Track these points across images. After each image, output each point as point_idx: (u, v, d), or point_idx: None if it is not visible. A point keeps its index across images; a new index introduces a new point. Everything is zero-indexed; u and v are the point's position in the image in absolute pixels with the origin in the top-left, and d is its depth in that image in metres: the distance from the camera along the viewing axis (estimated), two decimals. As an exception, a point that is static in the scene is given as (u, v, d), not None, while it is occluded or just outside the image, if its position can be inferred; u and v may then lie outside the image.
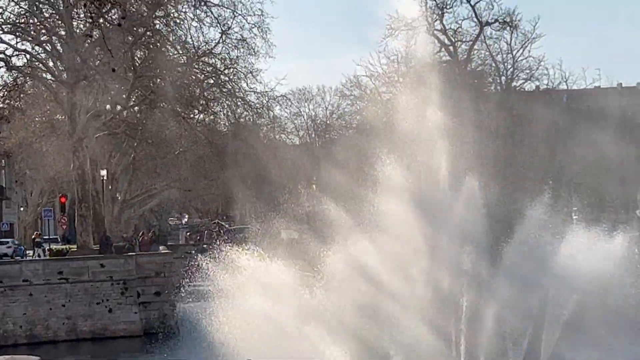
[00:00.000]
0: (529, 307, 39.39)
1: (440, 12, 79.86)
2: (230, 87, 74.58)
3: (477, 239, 40.42)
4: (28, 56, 64.74)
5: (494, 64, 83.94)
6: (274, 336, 37.68)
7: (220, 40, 69.33)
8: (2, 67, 64.20)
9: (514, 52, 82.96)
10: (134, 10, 61.57)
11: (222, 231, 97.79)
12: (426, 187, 43.41)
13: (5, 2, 61.19)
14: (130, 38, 62.32)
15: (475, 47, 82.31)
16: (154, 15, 65.46)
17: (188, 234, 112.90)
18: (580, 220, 50.89)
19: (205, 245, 75.75)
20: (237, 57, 72.00)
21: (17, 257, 67.08)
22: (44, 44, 64.47)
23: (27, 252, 72.51)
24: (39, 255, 66.17)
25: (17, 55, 64.09)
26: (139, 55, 69.17)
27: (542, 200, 42.24)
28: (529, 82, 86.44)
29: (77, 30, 63.31)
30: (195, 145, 77.79)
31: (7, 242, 73.34)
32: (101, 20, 23.90)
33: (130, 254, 62.55)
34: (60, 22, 62.96)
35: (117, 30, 52.58)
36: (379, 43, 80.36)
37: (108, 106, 70.36)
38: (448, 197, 41.95)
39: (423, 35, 79.35)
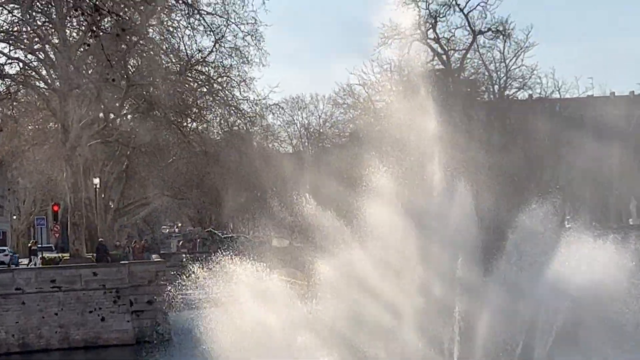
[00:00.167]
0: (522, 316, 39.42)
1: (433, 21, 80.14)
2: (223, 95, 74.55)
3: (470, 247, 40.45)
4: (21, 64, 64.68)
5: (487, 73, 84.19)
6: (266, 345, 37.66)
7: (214, 49, 69.33)
8: (-5, 75, 64.17)
9: (507, 61, 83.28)
10: (127, 18, 61.53)
11: (215, 239, 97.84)
12: (418, 195, 43.40)
13: (-2, 10, 61.21)
14: (123, 46, 62.30)
15: (468, 55, 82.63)
16: (147, 24, 65.43)
17: (180, 242, 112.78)
18: (572, 228, 50.90)
19: (198, 254, 75.72)
20: (231, 65, 72.06)
21: (13, 265, 67.07)
22: (37, 52, 64.43)
23: (20, 260, 72.42)
24: (35, 264, 66.13)
25: (10, 63, 64.04)
26: (132, 64, 69.14)
27: (534, 208, 42.27)
28: (521, 90, 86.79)
29: (71, 39, 63.31)
30: (188, 154, 77.76)
31: (4, 250, 73.39)
32: (94, 28, 23.86)
33: (123, 262, 62.50)
34: (53, 30, 62.94)
35: (111, 39, 52.56)
36: (372, 52, 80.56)
37: (101, 114, 70.31)
38: (440, 205, 41.96)
39: (416, 44, 79.67)
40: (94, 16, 23.91)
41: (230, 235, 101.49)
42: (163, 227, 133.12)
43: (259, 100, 76.41)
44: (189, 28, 66.55)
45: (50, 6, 62.43)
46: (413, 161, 44.45)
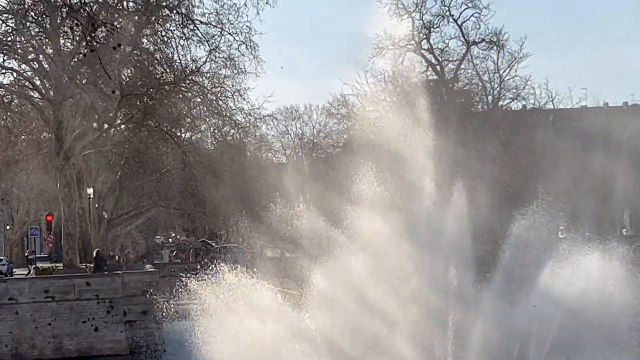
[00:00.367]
0: (517, 326, 39.45)
1: (427, 32, 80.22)
2: (217, 105, 74.51)
3: (464, 257, 40.50)
4: (15, 74, 64.67)
5: (480, 83, 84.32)
6: (260, 355, 37.66)
7: (208, 59, 69.27)
8: (-12, 85, 64.15)
9: (501, 72, 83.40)
10: (121, 28, 61.52)
11: (208, 249, 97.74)
12: (412, 205, 43.44)
13: (-8, 20, 61.16)
14: (117, 56, 62.27)
15: (462, 66, 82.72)
16: (141, 34, 65.42)
17: (174, 252, 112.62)
18: (566, 239, 50.97)
19: (191, 264, 75.65)
20: (225, 75, 71.99)
21: (8, 275, 66.95)
22: (31, 62, 64.38)
23: (15, 270, 72.30)
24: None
25: (4, 73, 64.02)
26: (126, 74, 69.09)
27: (528, 219, 42.34)
28: (515, 101, 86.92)
29: (65, 49, 63.28)
30: (181, 164, 77.70)
31: (1, 260, 73.31)
32: (88, 38, 23.84)
33: (117, 272, 62.38)
34: (47, 40, 62.91)
35: (105, 49, 52.51)
36: (366, 62, 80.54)
37: (95, 124, 70.23)
38: (434, 215, 42.02)
39: (410, 55, 79.81)
40: (88, 26, 23.90)
41: (223, 245, 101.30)
42: (157, 237, 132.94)
43: (253, 110, 76.48)
44: (183, 38, 66.49)
45: (44, 16, 62.37)
46: (407, 171, 44.51)
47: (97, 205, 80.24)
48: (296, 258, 46.15)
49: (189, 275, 44.01)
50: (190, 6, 65.17)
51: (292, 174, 75.61)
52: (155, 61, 68.00)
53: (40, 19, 62.70)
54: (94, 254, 63.30)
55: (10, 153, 69.49)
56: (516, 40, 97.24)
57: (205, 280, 41.00)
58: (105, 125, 70.71)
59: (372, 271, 40.21)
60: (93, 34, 24.52)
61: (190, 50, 66.81)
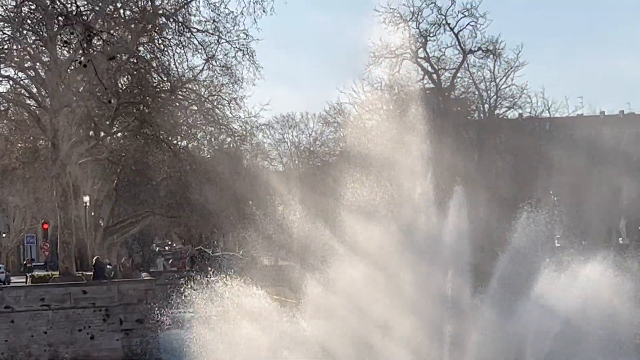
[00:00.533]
0: (512, 335, 39.45)
1: (423, 40, 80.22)
2: (213, 113, 74.50)
3: (460, 265, 40.49)
4: (11, 82, 64.66)
5: (477, 92, 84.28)
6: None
7: (205, 67, 69.28)
8: (-15, 93, 64.15)
9: (497, 80, 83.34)
10: (117, 36, 61.52)
11: (204, 257, 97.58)
12: (409, 213, 43.45)
13: (-12, 28, 61.17)
14: (113, 64, 62.26)
15: (459, 75, 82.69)
16: (137, 42, 65.41)
17: (170, 261, 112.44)
18: (562, 247, 51.01)
19: (187, 272, 75.55)
20: (221, 84, 71.99)
21: (5, 283, 66.90)
22: (28, 70, 64.39)
23: (11, 278, 72.25)
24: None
25: (0, 81, 64.08)
26: (122, 82, 69.09)
27: (524, 227, 42.34)
28: (512, 110, 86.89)
29: (61, 57, 63.26)
30: (178, 172, 77.65)
31: (0, 268, 73.26)
32: (85, 46, 23.86)
33: (113, 280, 62.31)
34: (44, 48, 62.91)
35: (102, 57, 52.51)
36: (363, 70, 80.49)
37: (91, 132, 70.22)
38: (431, 223, 42.04)
39: (406, 63, 79.76)
40: (84, 36, 23.92)
41: (220, 253, 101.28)
42: (153, 245, 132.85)
43: (250, 118, 76.49)
44: (180, 46, 66.46)
45: (41, 24, 62.37)
46: (404, 179, 44.53)
47: (93, 214, 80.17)
48: (292, 266, 46.14)
49: (182, 282, 44.00)
50: (187, 14, 65.15)
51: (288, 181, 75.64)
52: (152, 69, 67.95)
53: (37, 27, 62.67)
54: (93, 261, 63.24)
55: (6, 161, 69.48)
56: (512, 49, 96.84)
57: (200, 288, 40.96)
58: (102, 134, 70.66)
59: (367, 279, 40.20)
60: (89, 43, 24.53)
61: (186, 59, 66.73)
